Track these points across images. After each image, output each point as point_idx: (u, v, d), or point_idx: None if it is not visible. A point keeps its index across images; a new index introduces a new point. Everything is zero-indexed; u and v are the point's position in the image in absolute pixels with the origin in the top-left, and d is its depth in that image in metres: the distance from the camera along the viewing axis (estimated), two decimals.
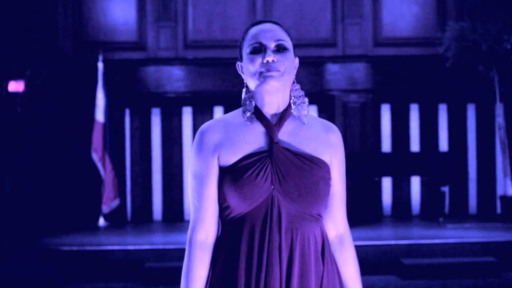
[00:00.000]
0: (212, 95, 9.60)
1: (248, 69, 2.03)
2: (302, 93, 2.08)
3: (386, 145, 9.86)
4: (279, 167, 1.99)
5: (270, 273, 1.97)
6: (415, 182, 9.84)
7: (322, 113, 9.83)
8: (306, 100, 2.09)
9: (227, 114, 2.12)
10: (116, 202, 9.08)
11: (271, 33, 2.04)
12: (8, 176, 9.02)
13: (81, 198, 9.43)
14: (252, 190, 1.97)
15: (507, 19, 8.66)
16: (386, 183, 9.83)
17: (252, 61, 2.01)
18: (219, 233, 2.09)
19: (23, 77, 8.87)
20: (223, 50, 9.54)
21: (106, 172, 8.99)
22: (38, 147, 9.30)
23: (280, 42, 2.03)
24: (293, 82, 2.08)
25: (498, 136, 9.31)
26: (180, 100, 9.74)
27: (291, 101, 2.06)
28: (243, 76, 2.07)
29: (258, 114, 2.04)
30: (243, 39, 2.08)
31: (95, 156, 8.98)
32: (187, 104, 9.79)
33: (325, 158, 2.08)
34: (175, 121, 9.77)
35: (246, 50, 2.04)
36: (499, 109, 9.01)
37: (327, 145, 2.09)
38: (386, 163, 8.98)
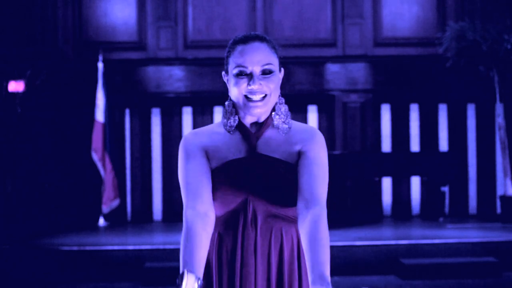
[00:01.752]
0: (212, 95, 9.59)
1: (233, 89, 2.09)
2: (286, 110, 2.14)
3: (386, 145, 9.86)
4: (255, 173, 2.06)
5: (246, 274, 2.04)
6: (415, 182, 9.84)
7: (322, 113, 9.83)
8: (289, 116, 2.15)
9: (208, 125, 2.19)
10: (116, 202, 9.08)
11: (257, 56, 2.07)
12: (8, 176, 9.02)
13: (81, 198, 9.43)
14: (227, 193, 2.06)
15: (507, 19, 8.66)
16: (386, 183, 9.83)
17: (237, 84, 2.07)
18: None
19: (23, 77, 8.88)
20: (223, 50, 9.43)
21: (106, 172, 8.99)
22: (38, 147, 9.30)
23: (265, 67, 2.07)
24: (279, 97, 2.14)
25: (498, 136, 9.31)
26: (180, 100, 9.74)
27: (273, 115, 2.13)
28: (228, 87, 2.13)
29: (239, 124, 2.13)
30: (229, 52, 2.13)
31: (95, 156, 8.98)
32: (187, 104, 9.79)
33: (294, 158, 2.10)
34: (175, 121, 9.77)
35: (232, 69, 2.10)
36: (499, 109, 9.01)
37: (297, 144, 2.11)
38: (386, 163, 8.98)
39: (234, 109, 2.13)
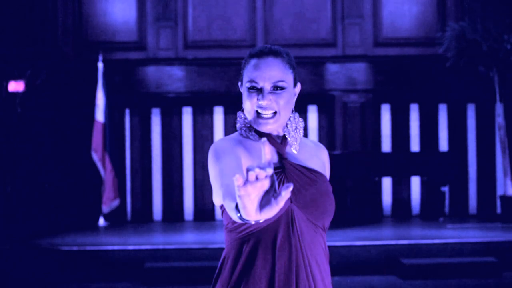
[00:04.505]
0: (212, 95, 9.60)
1: (246, 102, 2.09)
2: (300, 123, 2.15)
3: (386, 145, 9.86)
4: (295, 183, 2.05)
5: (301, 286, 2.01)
6: (415, 182, 9.84)
7: (322, 113, 9.83)
8: (301, 129, 2.16)
9: (230, 136, 2.17)
10: (116, 202, 9.08)
11: (269, 73, 2.06)
12: (8, 176, 9.02)
13: (81, 198, 9.43)
14: None
15: (507, 19, 8.66)
16: (386, 183, 9.82)
17: (249, 97, 2.07)
18: (229, 253, 2.06)
19: (23, 77, 8.87)
20: (223, 50, 9.53)
21: (106, 172, 8.99)
22: (38, 147, 9.30)
23: (276, 83, 2.07)
24: (293, 111, 2.13)
25: (498, 136, 9.31)
26: (180, 100, 9.74)
27: (286, 130, 2.13)
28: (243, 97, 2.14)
29: (260, 133, 2.13)
30: (244, 64, 2.13)
31: (95, 156, 8.98)
32: (187, 104, 9.79)
33: (324, 171, 2.19)
34: (175, 121, 9.77)
35: (245, 83, 2.10)
36: (499, 109, 9.01)
37: (322, 162, 2.19)
38: (386, 163, 8.98)
39: (247, 120, 2.14)
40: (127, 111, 9.78)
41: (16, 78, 8.85)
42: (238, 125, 2.15)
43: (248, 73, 2.09)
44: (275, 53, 2.10)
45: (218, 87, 9.50)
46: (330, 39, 9.79)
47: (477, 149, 9.91)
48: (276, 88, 2.07)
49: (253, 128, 2.13)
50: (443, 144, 9.89)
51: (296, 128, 2.14)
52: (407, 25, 9.84)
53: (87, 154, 9.09)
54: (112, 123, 9.26)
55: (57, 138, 9.42)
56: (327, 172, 2.19)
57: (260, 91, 2.06)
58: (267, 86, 2.06)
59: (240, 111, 2.15)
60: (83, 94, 9.36)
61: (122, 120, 9.73)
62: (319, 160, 2.17)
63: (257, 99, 2.06)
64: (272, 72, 2.07)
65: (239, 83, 2.16)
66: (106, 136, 9.04)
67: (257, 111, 2.07)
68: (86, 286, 6.76)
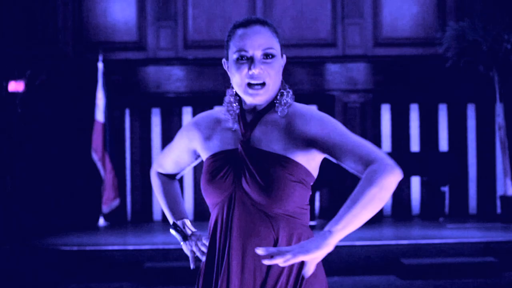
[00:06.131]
0: (212, 95, 9.60)
1: (234, 75, 2.03)
2: (290, 93, 2.10)
3: (386, 145, 9.86)
4: (243, 166, 1.99)
5: (223, 274, 1.99)
6: (415, 182, 9.84)
7: None
8: (290, 98, 2.09)
9: (218, 110, 2.16)
10: (116, 202, 9.08)
11: (258, 40, 2.00)
12: (8, 176, 9.02)
13: (81, 198, 9.43)
14: (213, 188, 2.02)
15: (507, 19, 8.66)
16: None
17: (238, 69, 2.01)
18: None
19: (23, 77, 8.88)
20: (223, 50, 9.51)
21: (106, 172, 8.99)
22: (38, 147, 9.30)
23: (267, 51, 2.01)
24: (282, 82, 2.09)
25: (498, 136, 9.31)
26: (180, 100, 9.74)
27: (276, 101, 2.07)
28: (229, 74, 2.08)
29: (239, 111, 2.09)
30: (229, 37, 2.06)
31: (95, 156, 8.98)
32: (187, 104, 9.79)
33: (298, 153, 2.00)
34: (175, 121, 9.77)
35: (232, 54, 2.03)
36: (499, 109, 9.01)
37: (300, 136, 2.01)
38: None
39: (238, 97, 2.08)
40: (127, 111, 9.78)
41: (16, 78, 8.85)
42: (225, 100, 2.11)
43: (235, 44, 2.02)
44: (262, 22, 2.05)
45: (218, 87, 9.50)
46: (330, 39, 9.79)
47: (477, 149, 9.90)
48: (267, 56, 2.00)
49: (237, 106, 2.07)
50: (443, 144, 9.89)
51: (286, 95, 2.08)
52: (407, 25, 9.84)
53: (87, 154, 9.09)
54: (112, 123, 9.26)
55: (57, 138, 9.42)
56: (318, 131, 1.98)
57: (250, 60, 1.99)
58: (258, 54, 2.00)
59: (229, 89, 2.09)
60: (83, 94, 9.36)
61: (122, 120, 9.73)
62: (294, 137, 2.00)
63: (248, 69, 1.99)
64: (262, 39, 2.00)
65: (223, 60, 2.11)
66: (106, 136, 9.04)
67: (248, 84, 2.00)
68: (86, 286, 6.76)
